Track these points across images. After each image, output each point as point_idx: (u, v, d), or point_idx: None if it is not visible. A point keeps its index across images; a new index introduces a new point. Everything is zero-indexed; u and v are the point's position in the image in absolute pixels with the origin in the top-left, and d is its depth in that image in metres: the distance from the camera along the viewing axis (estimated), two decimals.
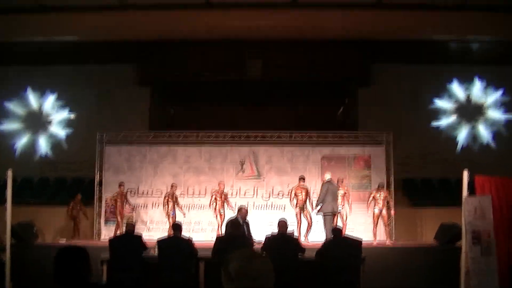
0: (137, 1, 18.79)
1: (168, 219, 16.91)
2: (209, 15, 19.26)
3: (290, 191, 17.03)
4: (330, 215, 15.71)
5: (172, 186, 17.51)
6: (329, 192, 15.81)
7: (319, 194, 16.21)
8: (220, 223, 16.67)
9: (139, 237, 10.97)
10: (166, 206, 17.05)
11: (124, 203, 17.68)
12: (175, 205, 17.20)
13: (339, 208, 16.22)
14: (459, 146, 18.16)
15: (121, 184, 17.77)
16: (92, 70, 21.99)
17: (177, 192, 17.60)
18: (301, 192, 16.55)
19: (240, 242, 10.37)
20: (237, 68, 21.96)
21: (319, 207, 15.97)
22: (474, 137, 18.11)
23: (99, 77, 22.02)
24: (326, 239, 11.15)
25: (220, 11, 19.15)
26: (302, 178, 16.84)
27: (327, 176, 16.41)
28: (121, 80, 22.19)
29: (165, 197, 17.32)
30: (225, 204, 17.05)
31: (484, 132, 18.08)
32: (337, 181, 16.54)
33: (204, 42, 20.93)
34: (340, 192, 16.41)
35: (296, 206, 16.51)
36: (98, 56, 21.47)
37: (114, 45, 20.71)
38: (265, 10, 19.08)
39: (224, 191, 17.29)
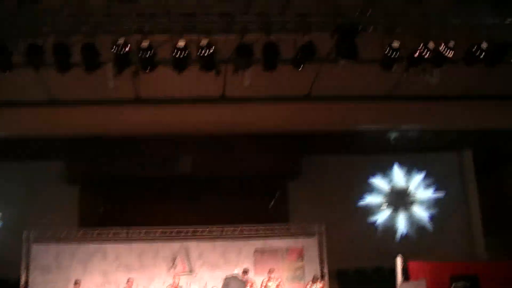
0: (66, 97, 18.59)
1: None
2: (139, 111, 19.16)
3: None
4: None
5: (128, 280, 17.13)
6: (231, 284, 15.42)
7: None
8: None
9: None
10: None
11: None
12: None
13: None
14: (397, 235, 18.33)
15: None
16: (19, 166, 21.51)
17: None
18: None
19: None
20: (167, 164, 21.83)
21: None
22: (411, 222, 18.37)
23: (26, 174, 21.53)
24: None
25: (150, 107, 19.09)
26: (245, 272, 16.51)
27: (235, 271, 16.13)
28: (49, 177, 21.73)
29: None
30: None
31: (420, 214, 18.37)
32: (268, 272, 16.32)
33: (134, 138, 20.79)
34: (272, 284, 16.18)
35: None
36: (25, 152, 21.07)
37: (42, 141, 20.36)
38: (195, 105, 19.11)
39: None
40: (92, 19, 12.37)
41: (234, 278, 15.69)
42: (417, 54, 12.24)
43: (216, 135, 20.56)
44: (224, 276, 16.08)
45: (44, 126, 19.13)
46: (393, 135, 20.79)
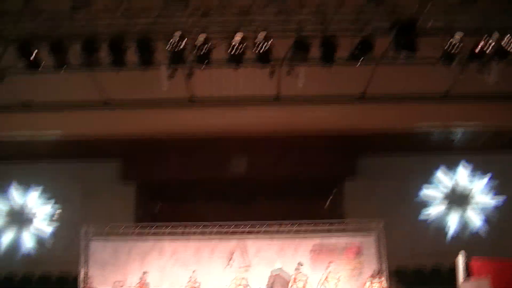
0: (121, 99, 18.81)
1: None
2: (193, 112, 19.29)
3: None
4: None
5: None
6: (275, 284, 15.28)
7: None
8: None
9: None
10: None
11: None
12: None
13: None
14: (449, 234, 18.07)
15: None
16: (76, 166, 21.85)
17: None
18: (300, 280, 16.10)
19: None
20: (222, 165, 21.88)
21: None
22: (465, 223, 18.07)
23: (83, 174, 21.85)
24: None
25: (204, 108, 19.19)
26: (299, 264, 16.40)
27: (277, 265, 16.02)
28: (106, 176, 22.02)
29: None
30: None
31: (475, 218, 18.06)
32: (326, 268, 16.23)
33: (188, 140, 20.89)
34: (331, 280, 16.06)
35: None
36: (82, 153, 21.44)
37: (98, 142, 20.65)
38: (248, 107, 19.13)
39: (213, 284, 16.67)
40: (145, 18, 12.57)
41: (278, 276, 15.58)
42: (478, 48, 12.07)
43: (271, 136, 20.51)
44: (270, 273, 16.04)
45: (100, 128, 19.43)
46: (450, 135, 20.51)
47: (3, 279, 19.54)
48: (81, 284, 18.16)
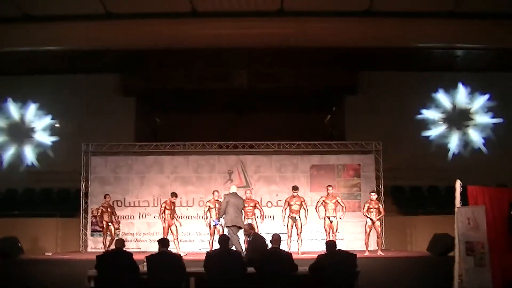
0: (122, 10, 18.47)
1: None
2: (194, 24, 18.97)
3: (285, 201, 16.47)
4: (231, 227, 14.98)
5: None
6: (230, 204, 15.28)
7: (221, 206, 15.70)
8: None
9: (130, 255, 10.62)
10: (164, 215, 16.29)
11: (111, 215, 17.03)
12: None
13: (216, 222, 15.86)
14: (450, 154, 18.06)
15: (106, 195, 17.26)
16: (76, 79, 21.68)
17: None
18: (295, 203, 16.19)
19: (227, 259, 10.17)
20: (223, 78, 21.75)
21: (221, 219, 15.46)
22: (465, 143, 18.04)
23: (83, 87, 21.66)
24: (320, 254, 10.82)
25: (205, 20, 18.87)
26: (295, 189, 16.49)
27: (233, 188, 16.02)
28: (105, 90, 21.91)
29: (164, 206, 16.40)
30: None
31: (475, 138, 18.03)
32: (326, 189, 16.28)
33: (189, 51, 20.63)
34: (330, 201, 16.15)
35: (288, 217, 16.17)
36: (82, 65, 21.22)
37: (98, 54, 20.38)
38: (251, 18, 18.80)
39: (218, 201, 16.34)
40: None
41: (232, 196, 15.55)
42: None
43: (273, 49, 20.23)
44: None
45: (100, 39, 19.12)
46: (454, 53, 20.23)
47: (5, 194, 19.74)
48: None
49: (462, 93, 18.28)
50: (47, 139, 18.08)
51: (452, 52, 20.42)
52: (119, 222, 17.76)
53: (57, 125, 18.58)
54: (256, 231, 13.66)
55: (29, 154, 18.04)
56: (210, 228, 16.14)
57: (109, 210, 16.92)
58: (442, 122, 18.14)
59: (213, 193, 16.53)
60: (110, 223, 16.76)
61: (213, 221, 15.95)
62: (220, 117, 23.90)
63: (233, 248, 14.04)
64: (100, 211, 16.93)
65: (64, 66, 21.15)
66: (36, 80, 21.15)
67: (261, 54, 21.04)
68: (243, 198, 15.94)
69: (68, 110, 20.56)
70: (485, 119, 18.56)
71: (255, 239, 12.15)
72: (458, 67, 20.77)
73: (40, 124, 18.22)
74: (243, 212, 15.70)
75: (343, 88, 22.37)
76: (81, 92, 21.55)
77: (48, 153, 18.11)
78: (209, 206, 16.24)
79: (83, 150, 18.94)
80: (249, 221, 15.60)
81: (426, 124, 18.16)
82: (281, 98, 23.23)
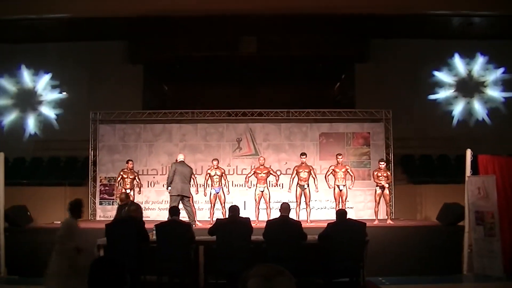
0: None
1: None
2: None
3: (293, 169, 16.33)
4: (176, 196, 14.91)
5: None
6: (177, 173, 15.17)
7: (168, 175, 15.62)
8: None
9: (141, 223, 10.52)
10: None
11: (132, 182, 16.56)
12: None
13: (217, 190, 15.85)
14: (454, 121, 17.97)
15: (129, 161, 16.83)
16: (84, 47, 21.45)
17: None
18: (304, 170, 16.09)
19: (236, 227, 10.18)
20: (231, 45, 21.56)
21: (169, 188, 15.30)
22: (469, 112, 17.95)
23: (91, 55, 21.43)
24: (329, 223, 10.77)
25: None
26: (302, 154, 16.31)
27: (180, 157, 15.88)
28: (113, 58, 21.68)
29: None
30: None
31: (479, 108, 17.92)
32: (336, 157, 16.18)
33: (196, 19, 20.42)
34: (340, 170, 16.05)
35: (296, 185, 16.09)
36: (89, 33, 21.02)
37: (105, 21, 20.18)
38: None
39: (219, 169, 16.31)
40: None
41: (179, 164, 15.47)
42: None
43: (282, 15, 20.00)
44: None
45: (107, 6, 18.96)
46: (468, 20, 19.91)
47: (12, 163, 19.71)
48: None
49: (479, 63, 18.15)
50: (51, 112, 18.05)
51: (467, 19, 20.08)
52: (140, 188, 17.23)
53: (64, 93, 18.54)
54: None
55: (32, 124, 18.06)
56: (210, 196, 16.10)
57: (130, 176, 16.55)
58: (452, 87, 18.03)
59: (212, 162, 16.42)
60: (130, 190, 16.36)
61: (214, 189, 15.92)
62: (229, 87, 23.75)
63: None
64: (120, 176, 16.66)
65: (70, 34, 20.95)
66: (45, 48, 20.92)
67: (269, 21, 20.80)
68: (190, 167, 15.78)
69: (75, 77, 20.51)
70: (496, 93, 18.46)
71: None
72: (474, 35, 20.41)
73: (49, 96, 18.20)
74: (192, 180, 15.65)
75: (353, 56, 22.11)
76: (89, 60, 21.33)
77: (53, 124, 18.09)
78: (209, 174, 16.15)
79: (91, 118, 18.85)
80: (261, 189, 15.66)
81: (436, 88, 18.06)
82: (290, 66, 23.05)
